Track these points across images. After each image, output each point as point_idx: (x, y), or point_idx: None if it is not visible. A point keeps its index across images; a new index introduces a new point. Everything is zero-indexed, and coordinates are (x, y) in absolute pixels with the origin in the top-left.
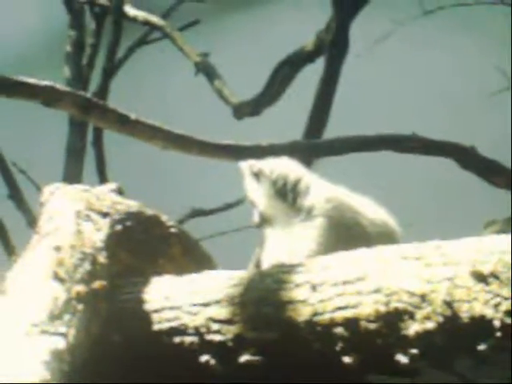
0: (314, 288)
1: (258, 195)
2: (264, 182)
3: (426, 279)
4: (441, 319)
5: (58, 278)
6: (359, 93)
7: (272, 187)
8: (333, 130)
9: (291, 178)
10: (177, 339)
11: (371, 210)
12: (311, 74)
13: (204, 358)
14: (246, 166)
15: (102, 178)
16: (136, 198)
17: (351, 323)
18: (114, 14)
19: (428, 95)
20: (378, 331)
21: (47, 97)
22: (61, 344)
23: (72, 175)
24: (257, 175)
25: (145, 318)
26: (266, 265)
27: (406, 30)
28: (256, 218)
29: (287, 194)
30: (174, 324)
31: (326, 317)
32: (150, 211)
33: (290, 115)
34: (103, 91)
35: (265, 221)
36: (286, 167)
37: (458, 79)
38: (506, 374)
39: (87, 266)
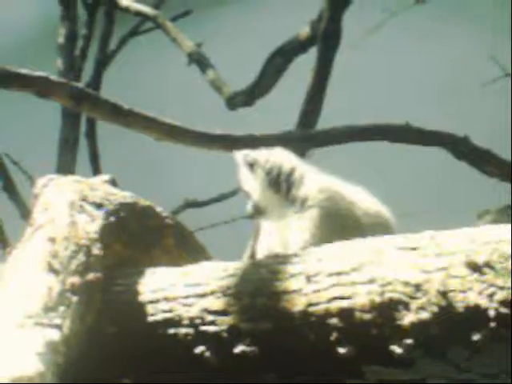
0: (308, 279)
1: (252, 186)
2: (258, 172)
3: (420, 269)
4: (435, 309)
5: (52, 269)
6: (353, 83)
7: (266, 178)
8: (326, 121)
9: (285, 169)
10: (171, 330)
11: (365, 201)
12: (305, 64)
13: (199, 349)
14: (240, 156)
15: (96, 170)
16: (130, 189)
17: (346, 314)
18: (106, 5)
19: (422, 85)
20: (373, 321)
21: (41, 87)
22: (55, 336)
23: (65, 166)
24: (251, 166)
25: (139, 310)
26: (260, 255)
27: (399, 19)
28: (250, 209)
29: (281, 184)
30: (168, 315)
31: (321, 307)
32: (144, 202)
33: (283, 105)
34: (96, 82)
35: (259, 211)
36: (280, 158)
37: (452, 68)
38: (500, 364)
39: (81, 257)
